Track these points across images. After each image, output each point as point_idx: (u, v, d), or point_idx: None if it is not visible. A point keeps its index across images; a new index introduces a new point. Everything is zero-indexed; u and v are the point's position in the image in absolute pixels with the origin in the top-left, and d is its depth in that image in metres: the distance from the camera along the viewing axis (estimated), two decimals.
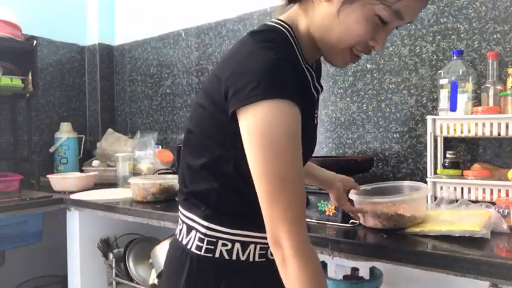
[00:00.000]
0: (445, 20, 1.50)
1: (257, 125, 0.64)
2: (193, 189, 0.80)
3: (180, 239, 0.82)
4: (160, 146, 2.28)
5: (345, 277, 1.38)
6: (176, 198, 1.64)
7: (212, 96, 0.73)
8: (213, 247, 0.77)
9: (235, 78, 0.67)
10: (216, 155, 0.75)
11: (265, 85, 0.64)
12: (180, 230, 0.83)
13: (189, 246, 0.79)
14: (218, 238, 0.77)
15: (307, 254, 0.65)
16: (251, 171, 0.67)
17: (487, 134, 1.23)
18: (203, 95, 0.77)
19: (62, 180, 1.95)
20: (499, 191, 1.20)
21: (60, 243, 1.86)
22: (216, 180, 0.76)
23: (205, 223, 0.77)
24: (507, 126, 1.20)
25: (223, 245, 0.77)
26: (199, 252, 0.78)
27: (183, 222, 0.82)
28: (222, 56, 0.95)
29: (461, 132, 1.27)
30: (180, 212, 0.84)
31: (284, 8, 0.80)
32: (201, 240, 0.77)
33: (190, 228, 0.80)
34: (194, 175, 0.80)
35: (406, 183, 1.20)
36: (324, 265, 1.42)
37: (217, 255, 0.77)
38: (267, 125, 0.64)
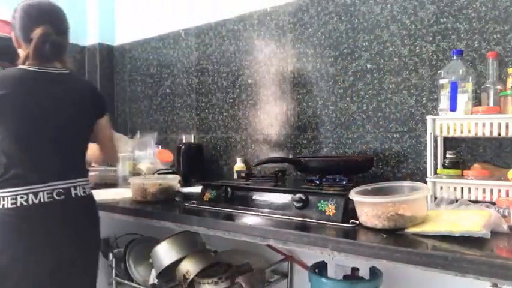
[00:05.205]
0: (445, 20, 1.51)
1: None
2: None
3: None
4: (160, 146, 2.28)
5: (345, 277, 1.39)
6: (176, 198, 1.64)
7: None
8: None
9: None
10: None
11: None
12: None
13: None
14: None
15: None
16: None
17: (487, 134, 1.23)
18: None
19: None
20: (499, 191, 1.20)
21: None
22: None
23: None
24: (507, 126, 1.20)
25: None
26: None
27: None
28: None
29: (461, 132, 1.27)
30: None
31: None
32: None
33: None
34: None
35: (406, 183, 1.20)
36: (324, 265, 1.42)
37: None
38: None
